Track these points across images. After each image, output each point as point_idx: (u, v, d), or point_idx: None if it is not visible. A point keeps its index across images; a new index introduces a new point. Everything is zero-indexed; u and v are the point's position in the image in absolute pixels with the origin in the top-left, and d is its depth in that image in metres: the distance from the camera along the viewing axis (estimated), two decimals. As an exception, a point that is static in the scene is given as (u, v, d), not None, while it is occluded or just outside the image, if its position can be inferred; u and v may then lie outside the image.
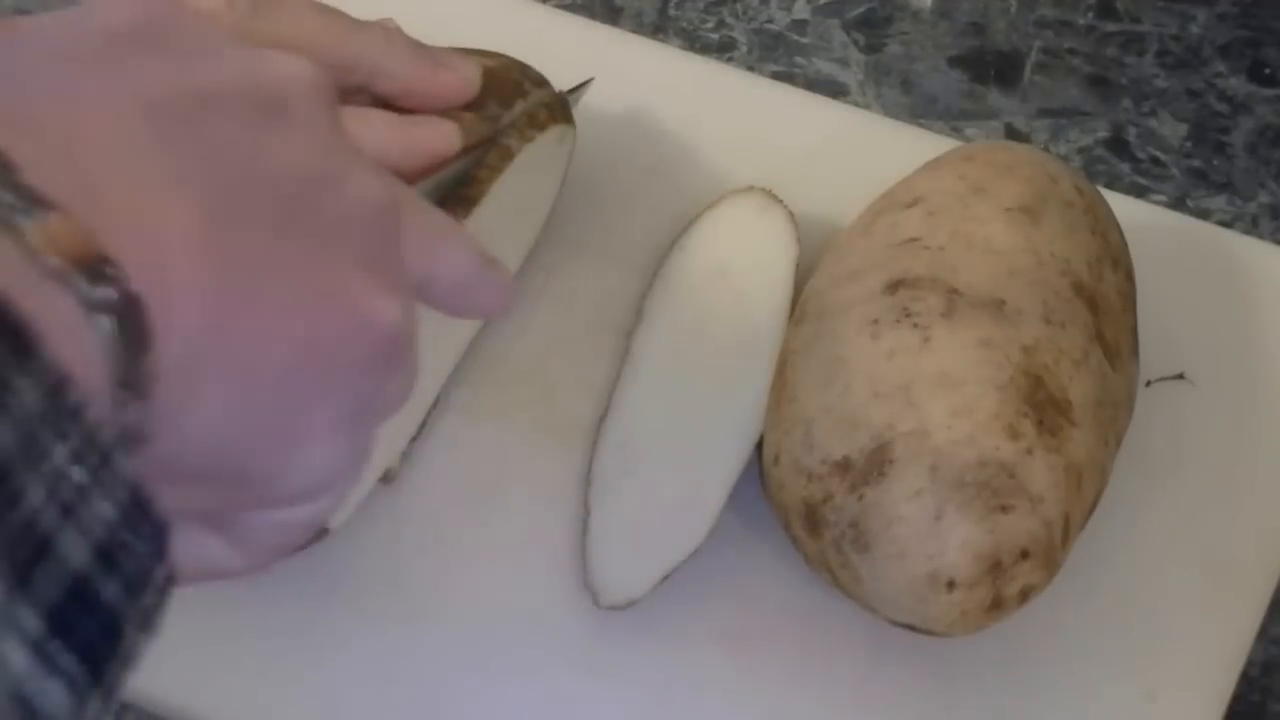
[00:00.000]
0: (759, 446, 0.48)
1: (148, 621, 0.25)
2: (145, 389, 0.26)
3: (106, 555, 0.24)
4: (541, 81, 0.51)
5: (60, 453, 0.23)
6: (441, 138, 0.46)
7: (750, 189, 0.54)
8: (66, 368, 0.24)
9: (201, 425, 0.28)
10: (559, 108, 0.51)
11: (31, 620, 0.22)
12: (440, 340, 0.49)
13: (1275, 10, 0.68)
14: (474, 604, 0.48)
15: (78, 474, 0.24)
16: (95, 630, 0.24)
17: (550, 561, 0.49)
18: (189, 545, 0.30)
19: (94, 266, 0.25)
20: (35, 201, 0.25)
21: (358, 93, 0.47)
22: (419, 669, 0.48)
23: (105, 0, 0.30)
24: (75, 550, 0.23)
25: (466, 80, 0.48)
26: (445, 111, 0.47)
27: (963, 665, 0.48)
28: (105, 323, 0.25)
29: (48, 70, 0.28)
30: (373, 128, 0.46)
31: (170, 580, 0.26)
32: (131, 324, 0.26)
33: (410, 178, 0.46)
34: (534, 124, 0.50)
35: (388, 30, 0.47)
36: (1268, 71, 0.67)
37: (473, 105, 0.48)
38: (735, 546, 0.50)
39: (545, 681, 0.48)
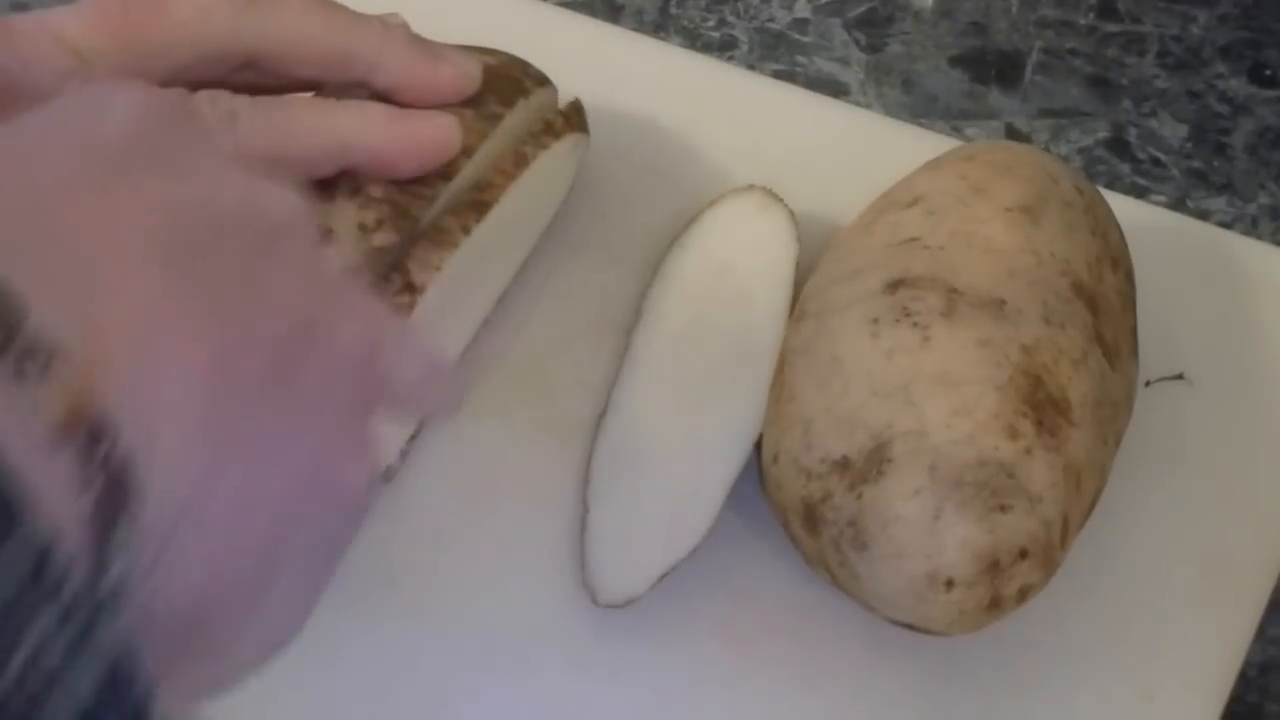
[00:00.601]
0: (758, 445, 0.48)
1: None
2: (128, 549, 0.25)
3: None
4: (543, 80, 0.51)
5: (43, 623, 0.23)
6: (441, 131, 0.46)
7: (750, 188, 0.54)
8: (54, 535, 0.23)
9: (179, 585, 0.27)
10: (575, 115, 0.51)
11: None
12: (440, 340, 0.49)
13: (1276, 12, 0.68)
14: (472, 601, 0.48)
15: (59, 645, 0.23)
16: None
17: (549, 559, 0.49)
18: (163, 671, 0.29)
19: (93, 426, 0.24)
20: (43, 350, 0.24)
21: (358, 88, 0.47)
22: (416, 666, 0.48)
23: (107, 99, 0.30)
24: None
25: (466, 75, 0.48)
26: (446, 108, 0.47)
27: (960, 664, 0.48)
28: (97, 482, 0.25)
29: (55, 190, 0.27)
30: (371, 121, 0.46)
31: None
32: (121, 484, 0.25)
33: (423, 178, 0.46)
34: (550, 131, 0.50)
35: (386, 24, 0.47)
36: (1268, 73, 0.67)
37: (473, 102, 0.48)
38: (734, 545, 0.50)
39: (543, 679, 0.48)
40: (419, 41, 0.47)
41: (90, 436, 0.24)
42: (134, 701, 0.25)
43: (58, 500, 0.24)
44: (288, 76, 0.46)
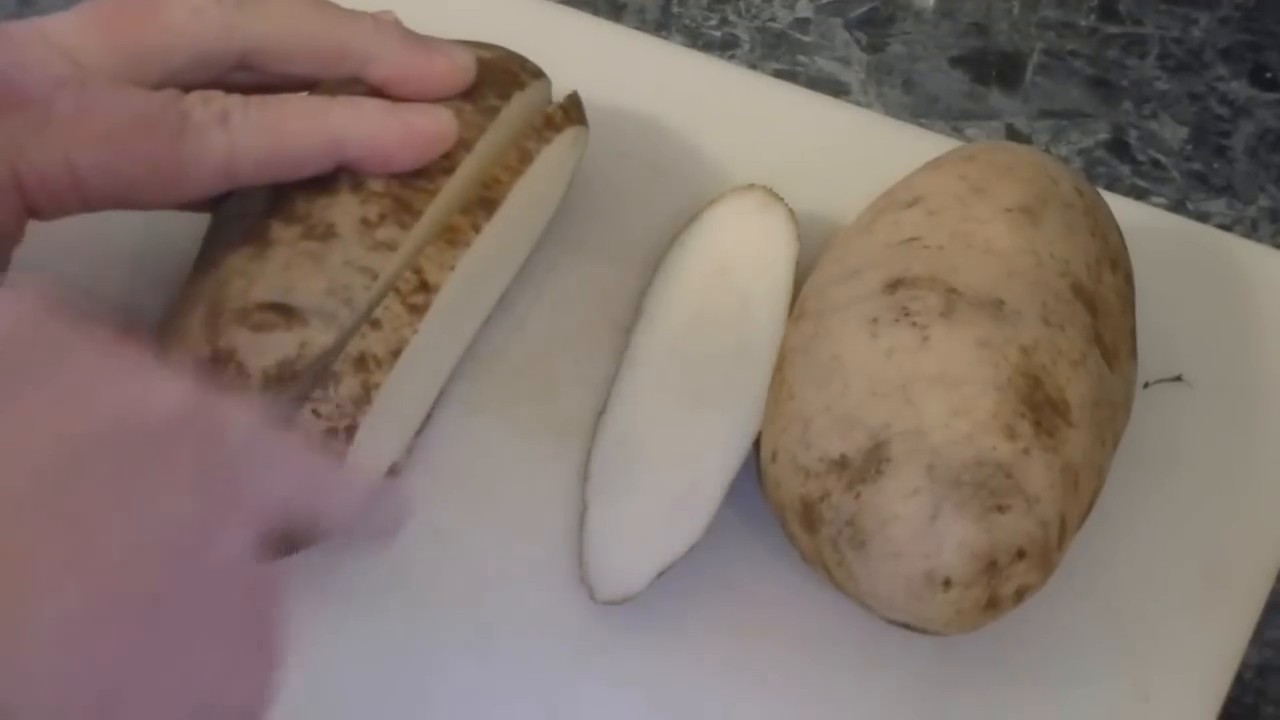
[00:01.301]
0: (757, 444, 0.48)
1: None
2: None
3: None
4: (538, 72, 0.51)
5: None
6: (437, 123, 0.46)
7: (751, 186, 0.54)
8: None
9: None
10: (573, 108, 0.52)
11: None
12: (443, 339, 0.49)
13: (1277, 15, 0.68)
14: (471, 598, 0.48)
15: None
16: None
17: (548, 556, 0.49)
18: None
19: None
20: None
21: (353, 83, 0.47)
22: (416, 664, 0.48)
23: None
24: None
25: (460, 68, 0.48)
26: (443, 103, 0.48)
27: (957, 663, 0.48)
28: None
29: None
30: (366, 115, 0.46)
31: None
32: None
33: (425, 171, 0.46)
34: (551, 125, 0.50)
35: (378, 19, 0.47)
36: (1269, 76, 0.68)
37: (470, 96, 0.48)
38: (732, 543, 0.50)
39: (542, 676, 0.48)
40: (411, 35, 0.47)
41: None
42: None
43: None
44: (282, 74, 0.46)
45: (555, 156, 0.51)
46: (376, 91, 0.47)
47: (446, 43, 0.48)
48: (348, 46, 0.46)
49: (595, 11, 0.65)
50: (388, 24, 0.47)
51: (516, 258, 0.53)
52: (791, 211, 0.52)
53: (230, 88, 0.45)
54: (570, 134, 0.51)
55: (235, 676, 0.30)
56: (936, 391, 0.44)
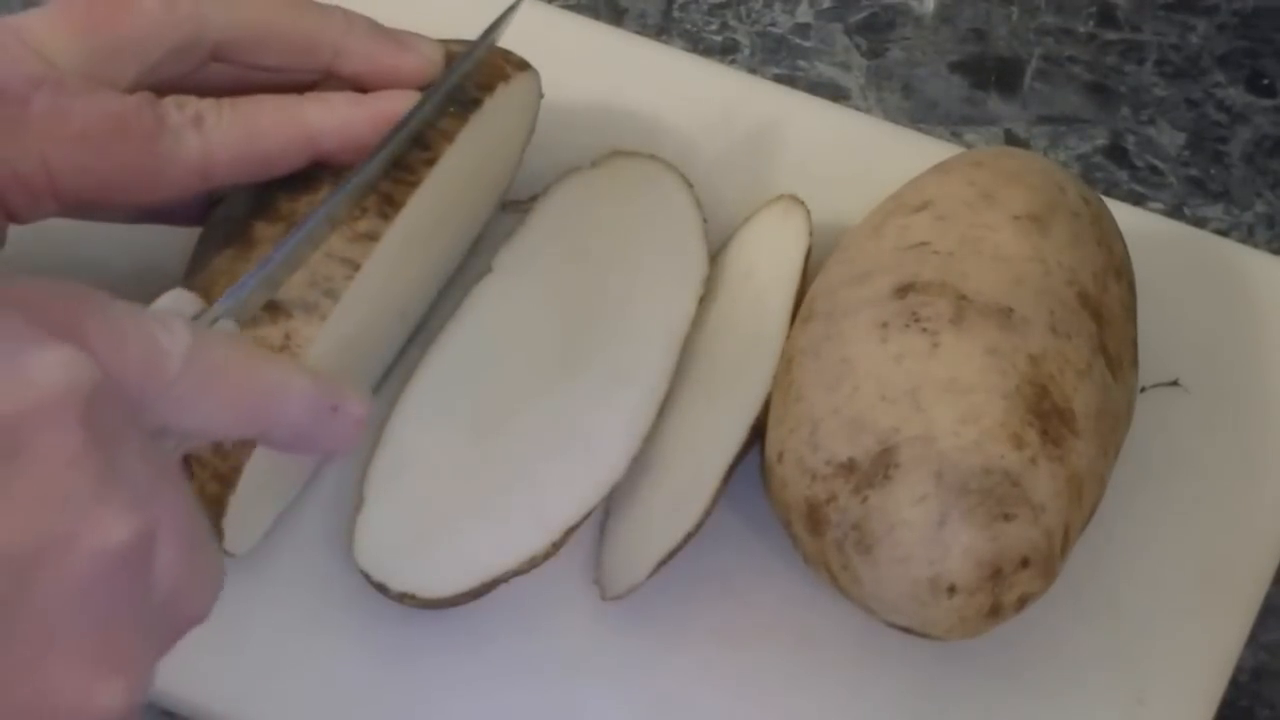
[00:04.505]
0: (761, 444, 0.48)
1: None
2: None
3: None
4: (524, 65, 0.51)
5: None
6: (404, 105, 0.47)
7: (780, 196, 0.54)
8: None
9: None
10: (514, 57, 0.51)
11: None
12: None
13: (1274, 22, 0.69)
14: (473, 601, 0.48)
15: None
16: None
17: (550, 558, 0.49)
18: None
19: None
20: None
21: (325, 79, 0.48)
22: (415, 666, 0.48)
23: None
24: None
25: (429, 60, 0.48)
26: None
27: (955, 666, 0.49)
28: None
29: None
30: (334, 107, 0.46)
31: None
32: None
33: (408, 164, 0.47)
34: (498, 75, 0.50)
35: (348, 12, 0.47)
36: (1266, 82, 0.68)
37: (453, 91, 0.48)
38: (734, 546, 0.50)
39: (542, 678, 0.48)
40: (381, 29, 0.48)
41: None
42: None
43: None
44: (256, 67, 0.47)
45: (502, 106, 0.50)
46: (349, 87, 0.47)
47: (415, 36, 0.49)
48: (319, 38, 0.47)
49: (596, 15, 0.65)
50: (357, 17, 0.48)
51: (481, 207, 0.53)
52: (808, 214, 0.53)
53: (208, 85, 0.46)
54: (524, 80, 0.51)
55: (101, 687, 0.28)
56: (946, 398, 0.44)
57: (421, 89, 0.47)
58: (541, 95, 0.53)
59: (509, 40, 0.51)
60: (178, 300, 0.38)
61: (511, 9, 0.50)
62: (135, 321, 0.31)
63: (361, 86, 0.47)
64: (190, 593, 0.31)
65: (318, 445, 0.36)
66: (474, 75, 0.49)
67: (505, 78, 0.50)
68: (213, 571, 0.32)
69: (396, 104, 0.46)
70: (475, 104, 0.49)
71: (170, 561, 0.30)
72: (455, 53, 0.49)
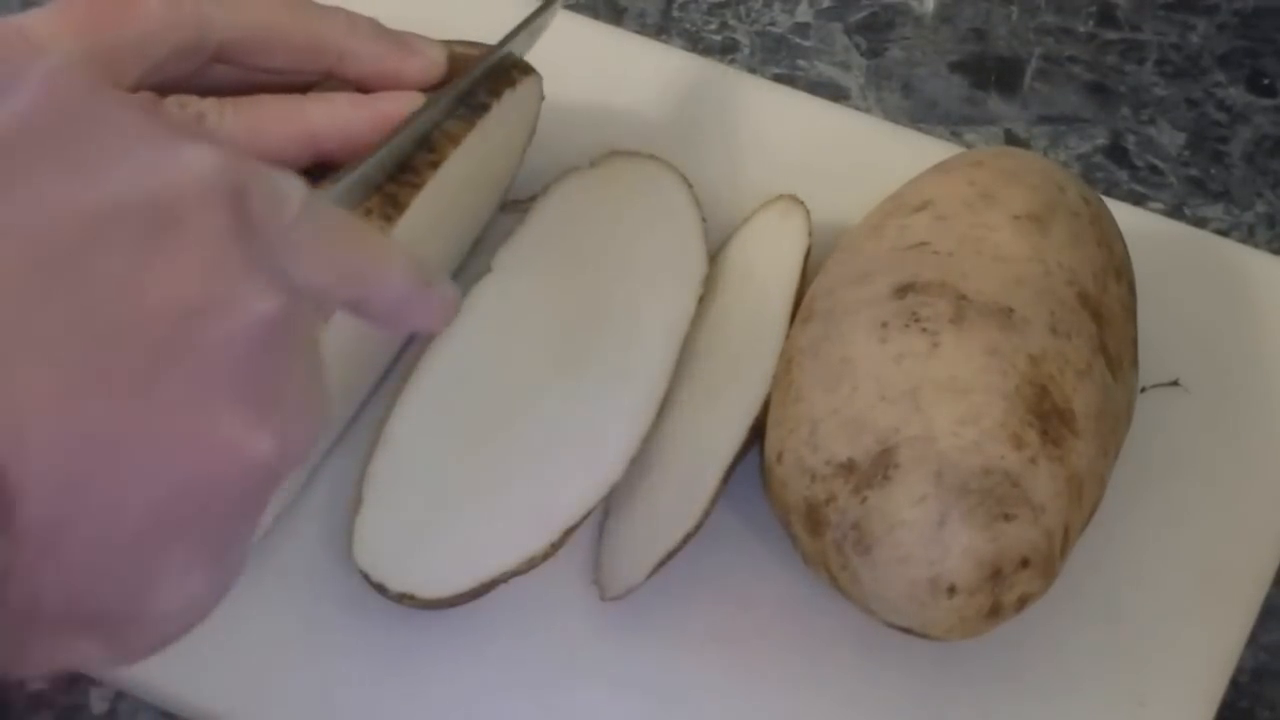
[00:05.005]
0: (761, 444, 0.48)
1: None
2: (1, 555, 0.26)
3: None
4: (528, 70, 0.51)
5: None
6: (407, 106, 0.47)
7: (780, 197, 0.54)
8: None
9: (57, 580, 0.28)
10: (521, 63, 0.51)
11: None
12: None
13: (1275, 21, 0.69)
14: (473, 602, 0.48)
15: None
16: None
17: (549, 558, 0.49)
18: (58, 648, 0.30)
19: None
20: None
21: (327, 79, 0.48)
22: (414, 666, 0.48)
23: (9, 75, 0.30)
24: None
25: (432, 62, 0.48)
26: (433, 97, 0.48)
27: (954, 667, 0.49)
28: None
29: None
30: (336, 106, 0.46)
31: None
32: None
33: (413, 166, 0.47)
34: (505, 80, 0.50)
35: (351, 14, 0.48)
36: (1266, 82, 0.68)
37: (463, 96, 0.48)
38: (733, 546, 0.50)
39: (540, 678, 0.48)
40: (383, 30, 0.48)
41: None
42: None
43: None
44: (260, 68, 0.47)
45: (505, 111, 0.50)
46: (352, 87, 0.47)
47: (418, 37, 0.49)
48: (323, 40, 0.47)
49: (596, 15, 0.65)
50: (360, 19, 0.48)
51: (482, 207, 0.53)
52: (808, 214, 0.53)
53: (211, 85, 0.46)
54: (524, 86, 0.51)
55: (243, 438, 0.30)
56: (945, 398, 0.44)
57: (427, 90, 0.47)
58: (543, 98, 0.53)
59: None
60: None
61: (543, 10, 0.50)
62: (258, 164, 0.33)
63: (364, 87, 0.47)
64: (305, 417, 0.32)
65: (411, 319, 0.37)
66: (482, 79, 0.49)
67: (512, 84, 0.50)
68: (322, 409, 0.33)
69: (399, 105, 0.47)
70: (483, 109, 0.49)
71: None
72: (459, 54, 0.49)
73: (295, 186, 0.33)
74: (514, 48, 0.51)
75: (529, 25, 0.50)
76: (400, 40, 0.48)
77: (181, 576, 0.30)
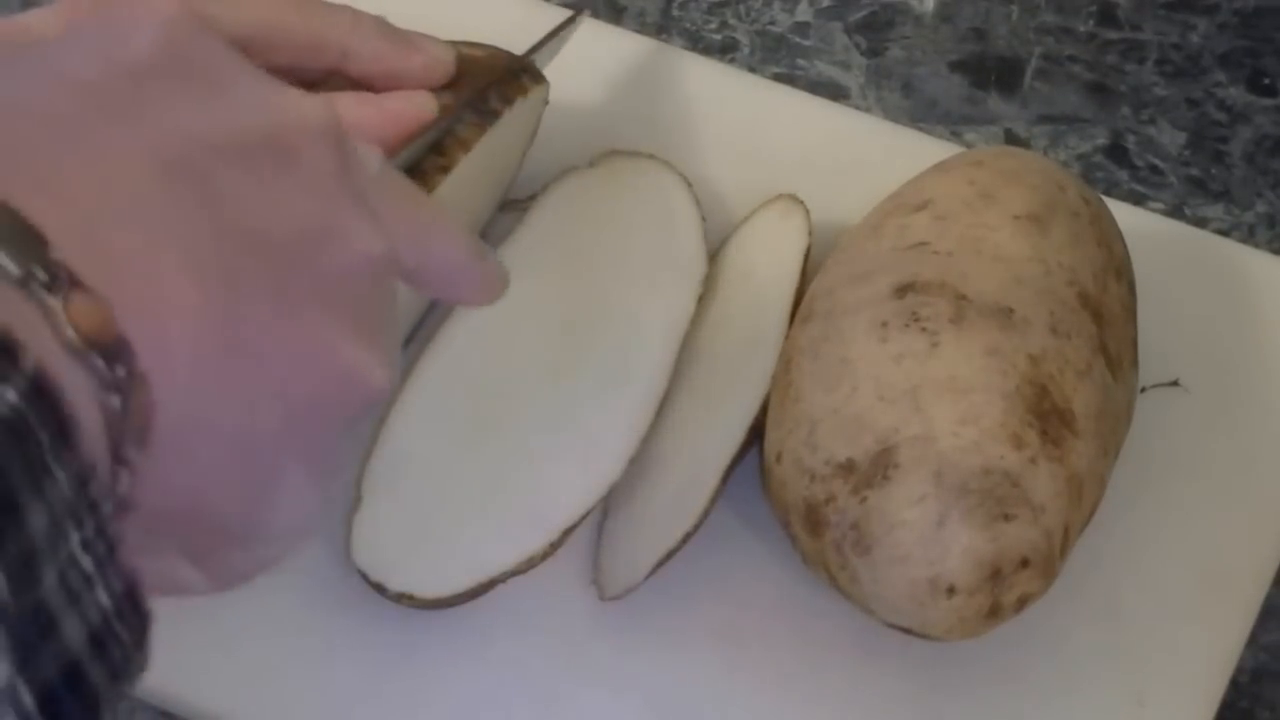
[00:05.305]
0: (760, 444, 0.48)
1: (117, 705, 0.26)
2: (137, 458, 0.27)
3: (99, 643, 0.25)
4: (539, 78, 0.51)
5: (75, 540, 0.24)
6: (411, 104, 0.47)
7: (779, 196, 0.54)
8: (93, 458, 0.24)
9: (185, 485, 0.29)
10: (533, 70, 0.51)
11: (28, 698, 0.23)
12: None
13: (1275, 21, 0.68)
14: (472, 601, 0.48)
15: (86, 562, 0.24)
16: (78, 713, 0.24)
17: (548, 559, 0.49)
18: (162, 568, 0.31)
19: (111, 347, 0.26)
20: (63, 279, 0.25)
21: (334, 78, 0.48)
22: (414, 667, 0.48)
23: (129, 21, 0.31)
24: (75, 635, 0.24)
25: (437, 61, 0.48)
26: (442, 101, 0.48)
27: (953, 667, 0.49)
28: (115, 401, 0.26)
29: (72, 114, 0.28)
30: (341, 107, 0.46)
31: (144, 671, 0.27)
32: (135, 400, 0.26)
33: (422, 171, 0.47)
34: (518, 88, 0.50)
35: (356, 12, 0.47)
36: (1267, 82, 0.68)
37: (474, 101, 0.48)
38: (732, 547, 0.50)
39: (539, 678, 0.48)
40: (388, 28, 0.48)
41: (110, 356, 0.26)
42: (141, 617, 0.26)
43: (88, 417, 0.25)
44: (261, 66, 0.47)
45: (513, 118, 0.50)
46: (356, 86, 0.47)
47: (424, 36, 0.49)
48: (327, 38, 0.47)
49: (595, 14, 0.65)
50: (366, 17, 0.48)
51: (482, 209, 0.53)
52: (808, 213, 0.53)
53: None
54: (535, 94, 0.51)
55: (358, 354, 0.31)
56: (945, 398, 0.44)
57: (433, 89, 0.47)
58: (547, 102, 0.53)
59: (507, 39, 0.51)
60: None
61: (569, 22, 0.50)
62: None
63: (369, 85, 0.47)
64: (394, 365, 0.34)
65: (463, 289, 0.38)
66: (495, 86, 0.49)
67: (524, 91, 0.50)
68: (393, 361, 0.34)
69: (406, 104, 0.46)
70: (494, 115, 0.49)
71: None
72: (465, 55, 0.49)
73: (374, 151, 0.34)
74: (538, 59, 0.51)
75: (552, 39, 0.50)
76: (405, 39, 0.48)
77: (297, 492, 0.31)
